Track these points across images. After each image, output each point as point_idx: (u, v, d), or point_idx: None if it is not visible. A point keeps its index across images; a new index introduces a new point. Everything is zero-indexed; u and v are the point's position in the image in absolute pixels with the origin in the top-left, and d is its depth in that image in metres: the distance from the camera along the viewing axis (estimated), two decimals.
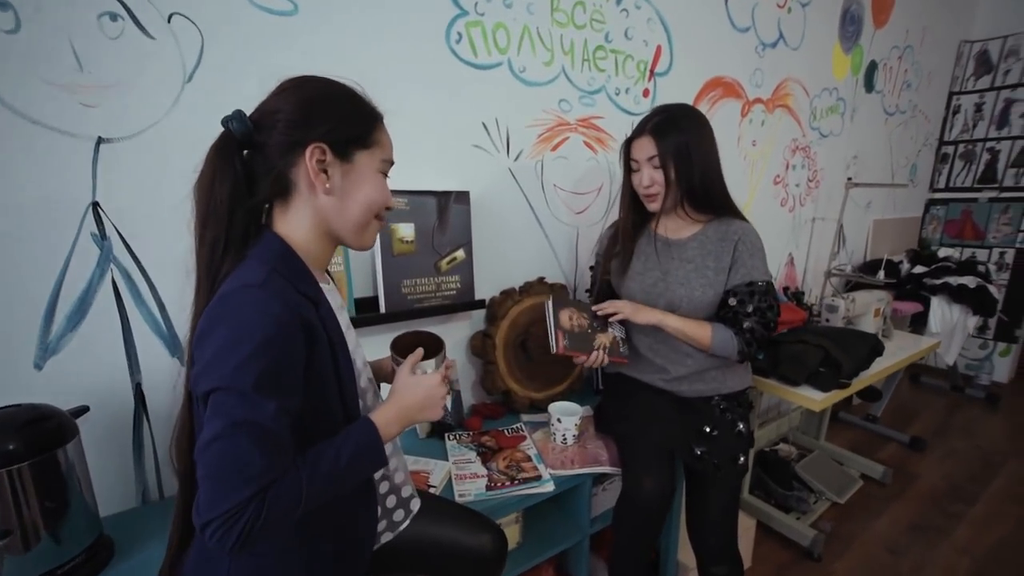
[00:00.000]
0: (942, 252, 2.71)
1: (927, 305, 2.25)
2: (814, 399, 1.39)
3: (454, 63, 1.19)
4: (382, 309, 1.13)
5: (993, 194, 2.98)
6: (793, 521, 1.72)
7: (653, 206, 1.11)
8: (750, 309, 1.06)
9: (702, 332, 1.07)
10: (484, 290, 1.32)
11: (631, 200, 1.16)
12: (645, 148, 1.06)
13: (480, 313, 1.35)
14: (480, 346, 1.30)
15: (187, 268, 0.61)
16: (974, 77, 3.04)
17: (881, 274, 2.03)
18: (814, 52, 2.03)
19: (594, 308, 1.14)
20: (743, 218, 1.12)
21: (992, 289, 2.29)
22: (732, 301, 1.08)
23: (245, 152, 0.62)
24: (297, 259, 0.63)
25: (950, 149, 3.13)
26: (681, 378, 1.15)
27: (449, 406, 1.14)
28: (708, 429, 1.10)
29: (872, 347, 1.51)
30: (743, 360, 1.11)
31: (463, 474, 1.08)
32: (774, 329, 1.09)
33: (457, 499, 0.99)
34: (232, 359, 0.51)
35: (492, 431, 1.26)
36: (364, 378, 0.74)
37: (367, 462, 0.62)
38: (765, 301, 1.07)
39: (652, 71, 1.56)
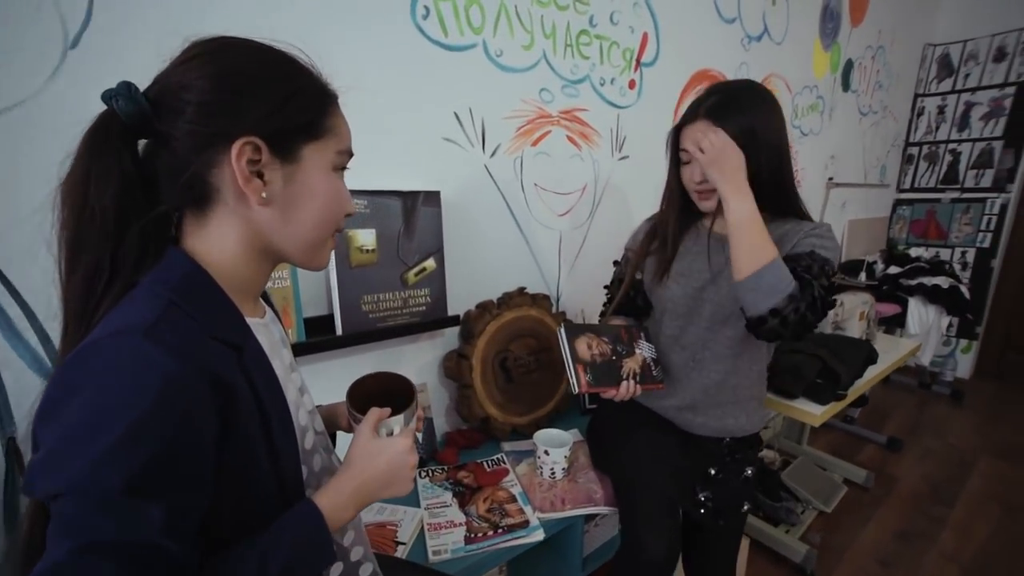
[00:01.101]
0: (913, 252, 2.73)
1: (904, 306, 2.25)
2: (813, 413, 1.30)
3: (421, 42, 1.02)
4: (338, 331, 0.96)
5: (955, 195, 3.04)
6: (784, 535, 1.65)
7: (706, 205, 0.92)
8: (809, 267, 0.82)
9: (769, 246, 0.78)
10: (458, 304, 1.16)
11: (679, 197, 0.97)
12: (699, 135, 0.84)
13: (453, 330, 1.19)
14: (455, 368, 1.15)
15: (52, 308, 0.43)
16: (937, 80, 3.09)
17: (863, 276, 2.00)
18: (796, 48, 1.97)
19: (622, 343, 0.90)
20: (811, 219, 0.92)
21: (963, 289, 2.31)
22: (791, 264, 0.82)
23: (141, 143, 0.44)
24: (212, 288, 0.45)
25: (915, 150, 3.19)
26: (697, 407, 1.00)
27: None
28: (714, 472, 0.98)
29: (867, 355, 1.45)
30: (781, 321, 0.78)
31: (438, 523, 0.92)
32: (822, 316, 0.83)
33: (431, 558, 0.83)
34: (91, 449, 0.34)
35: (470, 464, 1.11)
36: (310, 437, 0.57)
37: (308, 566, 0.46)
38: (827, 278, 0.82)
39: (639, 60, 1.43)
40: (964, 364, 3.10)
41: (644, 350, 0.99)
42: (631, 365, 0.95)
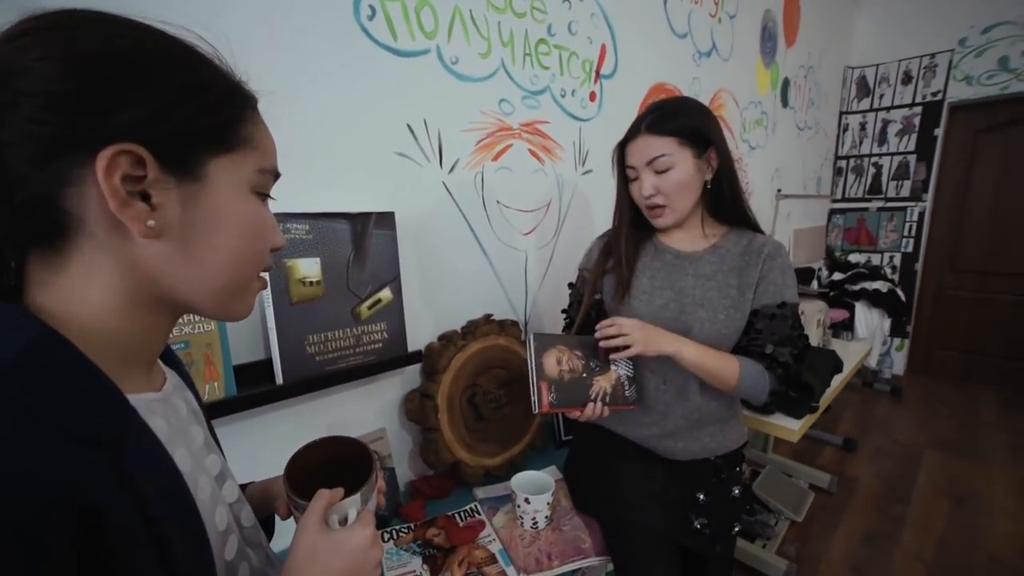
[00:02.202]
0: (852, 258, 2.89)
1: (850, 310, 2.34)
2: (791, 429, 1.28)
3: (367, 45, 0.91)
4: (278, 380, 0.80)
5: (880, 203, 3.28)
6: (762, 551, 1.63)
7: (660, 221, 0.90)
8: (783, 336, 0.86)
9: (729, 366, 0.84)
10: (418, 338, 1.03)
11: (630, 212, 0.95)
12: (643, 149, 0.86)
13: (413, 369, 1.06)
14: (418, 409, 1.01)
15: None
16: (857, 99, 3.34)
17: (815, 284, 2.06)
18: (742, 64, 2.02)
19: (597, 332, 0.85)
20: (762, 231, 0.94)
21: (899, 292, 2.45)
22: (759, 324, 0.87)
23: None
24: (70, 361, 0.31)
25: (844, 163, 3.41)
26: (677, 434, 0.93)
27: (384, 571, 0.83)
28: (702, 497, 0.91)
29: (834, 364, 1.46)
30: (770, 402, 0.91)
31: None
32: (800, 371, 0.91)
33: None
34: None
35: (439, 519, 0.97)
36: (233, 542, 0.43)
37: None
38: (796, 328, 0.88)
39: (598, 72, 1.39)
40: (899, 361, 3.30)
41: (620, 367, 0.90)
42: (602, 384, 0.87)
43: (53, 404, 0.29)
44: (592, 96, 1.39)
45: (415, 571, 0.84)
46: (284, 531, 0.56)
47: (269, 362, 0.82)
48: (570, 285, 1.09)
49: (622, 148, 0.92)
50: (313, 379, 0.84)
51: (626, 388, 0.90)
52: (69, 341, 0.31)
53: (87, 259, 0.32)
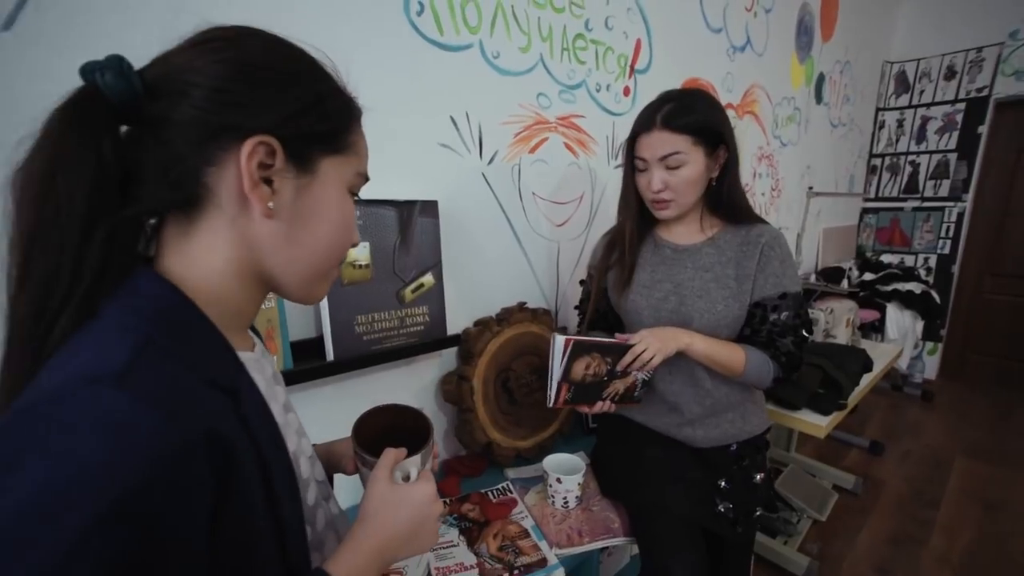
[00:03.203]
0: (885, 258, 2.83)
1: (881, 311, 2.30)
2: (819, 424, 1.28)
3: (416, 40, 0.95)
4: (329, 356, 0.86)
5: (916, 203, 3.19)
6: (783, 548, 1.63)
7: (664, 213, 0.92)
8: (784, 326, 0.89)
9: (735, 355, 0.88)
10: (455, 322, 1.08)
11: (636, 204, 0.97)
12: (657, 144, 0.86)
13: (449, 352, 1.10)
14: (455, 391, 1.06)
15: None
16: (895, 95, 3.25)
17: (845, 283, 2.03)
18: (776, 59, 2.00)
19: (619, 368, 0.87)
20: (764, 221, 0.95)
21: (934, 294, 2.39)
22: (761, 315, 0.90)
23: (122, 129, 0.35)
24: (198, 318, 0.36)
25: (878, 161, 3.33)
26: (695, 421, 0.96)
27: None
28: (724, 484, 0.94)
29: (864, 363, 1.45)
30: (775, 388, 0.94)
31: (446, 567, 0.83)
32: (801, 359, 0.93)
33: None
34: (45, 546, 0.24)
35: (474, 495, 1.02)
36: (313, 490, 0.48)
37: None
38: (800, 316, 0.90)
39: (632, 67, 1.40)
40: (931, 366, 3.22)
41: (640, 372, 0.91)
42: (617, 386, 0.91)
43: (188, 351, 0.34)
44: (626, 91, 1.41)
45: (452, 541, 0.89)
46: (339, 491, 0.61)
47: (320, 340, 0.88)
48: (582, 282, 1.13)
49: (633, 140, 0.91)
50: (360, 357, 0.89)
51: (636, 389, 0.94)
52: (193, 301, 0.36)
53: (213, 229, 0.37)
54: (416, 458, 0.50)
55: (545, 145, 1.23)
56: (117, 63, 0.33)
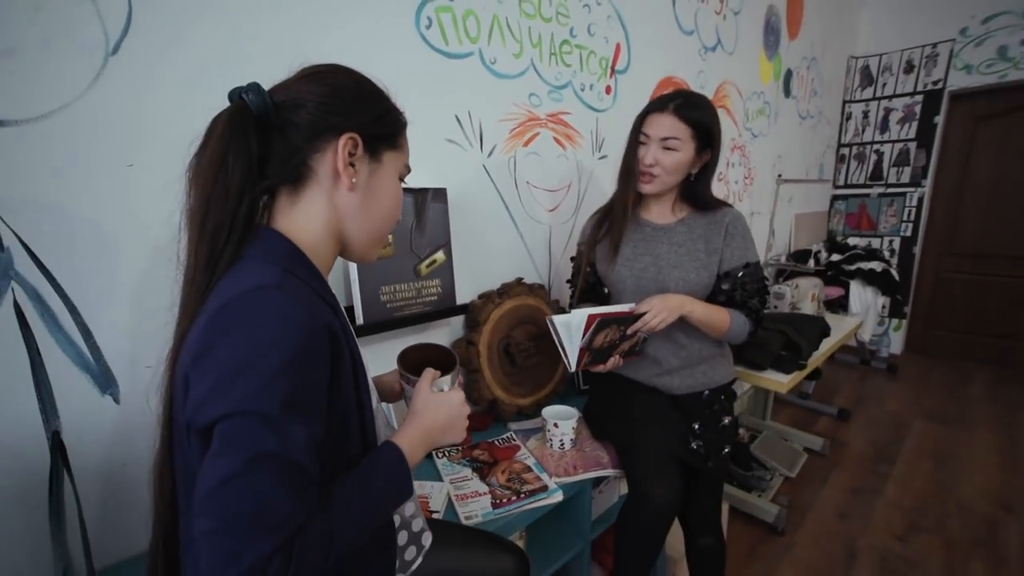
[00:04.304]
0: (851, 241, 3.04)
1: (846, 289, 2.51)
2: (781, 381, 1.47)
3: (425, 50, 1.10)
4: (359, 320, 1.01)
5: (881, 189, 3.41)
6: (756, 499, 1.81)
7: (648, 188, 1.09)
8: (751, 290, 1.09)
9: (723, 317, 1.06)
10: (462, 294, 1.23)
11: (636, 174, 1.09)
12: (664, 125, 1.03)
13: (457, 319, 1.26)
14: (464, 354, 1.22)
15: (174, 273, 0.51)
16: (860, 88, 3.46)
17: (812, 262, 2.22)
18: (745, 57, 2.18)
19: (631, 330, 1.03)
20: (726, 204, 1.14)
21: (893, 272, 2.60)
22: (729, 284, 1.09)
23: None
24: (308, 260, 0.53)
25: (846, 150, 3.54)
26: (673, 371, 1.14)
27: None
28: (697, 426, 1.11)
29: (821, 329, 1.64)
30: (750, 340, 1.13)
31: (463, 494, 0.99)
32: (763, 313, 1.12)
33: (464, 522, 0.90)
34: (251, 377, 0.41)
35: (482, 443, 1.18)
36: (374, 398, 0.64)
37: (396, 493, 0.54)
38: (759, 281, 1.10)
39: (613, 68, 1.57)
40: (896, 341, 3.46)
41: (643, 332, 1.08)
42: (624, 346, 1.08)
43: (308, 278, 0.50)
44: (608, 90, 1.57)
45: (467, 476, 1.05)
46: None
47: (351, 307, 1.03)
48: (572, 259, 1.30)
49: (644, 116, 1.07)
50: (384, 322, 1.05)
51: (639, 344, 1.11)
52: (302, 251, 0.52)
53: (312, 197, 0.54)
54: (448, 377, 0.67)
55: (537, 139, 1.39)
56: (257, 87, 0.50)
